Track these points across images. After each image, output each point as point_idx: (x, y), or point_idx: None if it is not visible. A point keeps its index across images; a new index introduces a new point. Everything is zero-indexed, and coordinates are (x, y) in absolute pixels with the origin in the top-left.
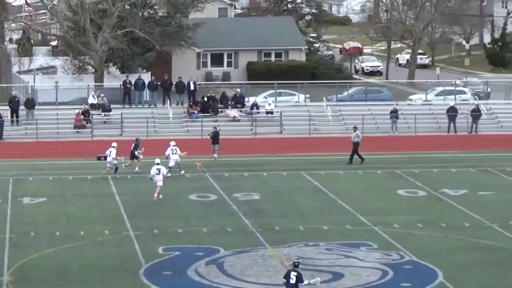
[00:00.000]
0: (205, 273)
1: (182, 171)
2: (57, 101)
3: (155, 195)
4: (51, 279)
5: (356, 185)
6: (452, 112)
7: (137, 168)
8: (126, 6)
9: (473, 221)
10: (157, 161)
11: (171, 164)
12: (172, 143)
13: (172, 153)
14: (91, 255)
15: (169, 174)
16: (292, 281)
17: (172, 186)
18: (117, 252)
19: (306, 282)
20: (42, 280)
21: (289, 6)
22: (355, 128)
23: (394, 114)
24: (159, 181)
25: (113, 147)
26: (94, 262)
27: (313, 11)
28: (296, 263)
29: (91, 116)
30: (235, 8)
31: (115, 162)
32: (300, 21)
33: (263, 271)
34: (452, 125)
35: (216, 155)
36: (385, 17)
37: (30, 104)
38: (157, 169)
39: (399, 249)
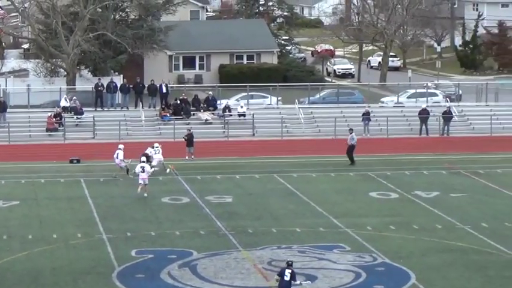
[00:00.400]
0: (178, 276)
1: (168, 170)
2: (30, 104)
3: (139, 190)
4: (24, 282)
5: (328, 188)
6: (424, 114)
7: (115, 174)
8: (98, 9)
9: (445, 222)
10: (143, 159)
11: (154, 163)
12: (156, 144)
13: (155, 153)
14: (63, 259)
15: (152, 170)
16: (287, 278)
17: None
18: (90, 255)
19: (298, 282)
20: (15, 283)
21: (261, 9)
22: (351, 130)
23: (366, 116)
24: (145, 179)
25: (120, 149)
26: (66, 265)
27: (285, 13)
28: (290, 262)
29: (63, 119)
30: (207, 11)
31: (123, 164)
32: (272, 24)
33: (236, 274)
34: (424, 127)
35: (190, 157)
36: (357, 20)
37: (2, 107)
38: (141, 167)
39: (372, 252)
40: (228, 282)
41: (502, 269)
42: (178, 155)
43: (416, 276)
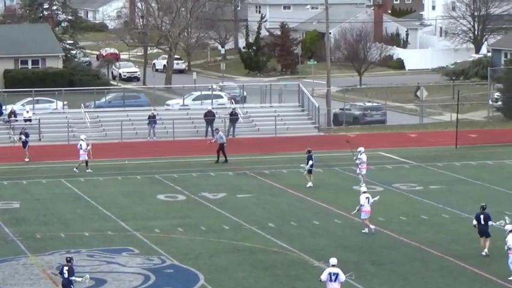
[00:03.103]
0: None
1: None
2: None
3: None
4: None
5: (116, 191)
6: (209, 116)
7: None
8: None
9: (232, 223)
10: (82, 137)
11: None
12: (83, 136)
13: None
14: None
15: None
16: (66, 275)
17: None
18: None
19: (78, 279)
20: None
21: (45, 13)
22: (217, 130)
23: (152, 119)
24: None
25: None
26: None
27: (70, 17)
28: (68, 259)
29: None
30: None
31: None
32: (57, 28)
33: (25, 279)
34: (209, 129)
35: None
36: (141, 23)
37: None
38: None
39: (160, 254)
40: None
41: (288, 268)
42: None
43: (205, 277)
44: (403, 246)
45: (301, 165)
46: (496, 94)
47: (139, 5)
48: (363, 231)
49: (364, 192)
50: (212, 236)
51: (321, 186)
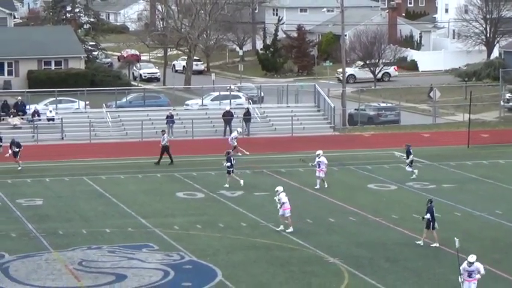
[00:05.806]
0: None
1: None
2: None
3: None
4: None
5: (136, 189)
6: (227, 116)
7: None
8: None
9: (250, 221)
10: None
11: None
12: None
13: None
14: None
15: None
16: None
17: None
18: None
19: None
20: None
21: (68, 15)
22: (163, 132)
23: (170, 119)
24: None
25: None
26: None
27: (92, 19)
28: None
29: None
30: (14, 17)
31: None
32: (79, 30)
33: (48, 275)
34: (228, 128)
35: None
36: (161, 25)
37: None
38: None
39: (179, 250)
40: (40, 283)
41: (304, 264)
42: None
43: (223, 273)
44: (416, 244)
45: (223, 163)
46: (508, 95)
47: (159, 7)
48: (288, 230)
49: (282, 191)
50: (230, 233)
51: (336, 185)
